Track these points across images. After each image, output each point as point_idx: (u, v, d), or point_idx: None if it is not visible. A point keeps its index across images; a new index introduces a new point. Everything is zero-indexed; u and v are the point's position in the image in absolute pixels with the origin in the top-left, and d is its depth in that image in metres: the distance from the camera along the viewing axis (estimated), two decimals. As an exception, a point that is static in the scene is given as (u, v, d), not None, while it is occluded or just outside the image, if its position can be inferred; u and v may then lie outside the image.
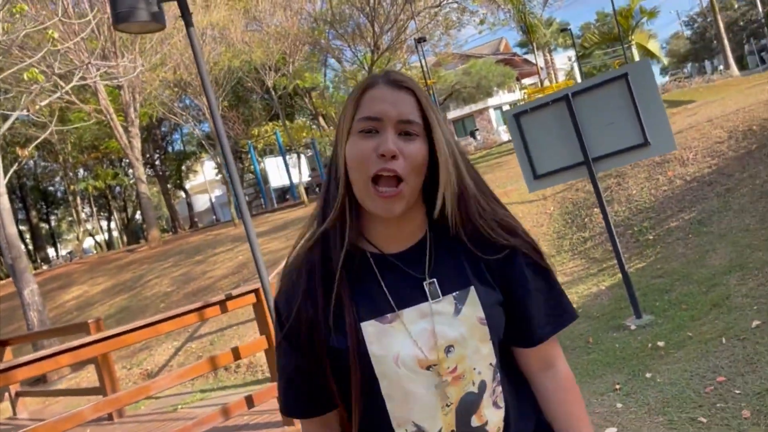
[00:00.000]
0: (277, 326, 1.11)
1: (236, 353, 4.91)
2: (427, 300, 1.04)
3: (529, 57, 36.81)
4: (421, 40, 19.86)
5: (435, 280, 1.06)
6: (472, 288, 1.05)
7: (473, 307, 1.04)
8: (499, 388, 1.06)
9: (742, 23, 51.12)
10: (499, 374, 1.06)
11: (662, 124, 5.03)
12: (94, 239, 35.98)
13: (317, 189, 24.07)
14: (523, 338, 1.11)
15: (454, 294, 1.05)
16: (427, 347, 1.01)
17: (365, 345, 1.01)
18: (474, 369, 1.03)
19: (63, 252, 42.42)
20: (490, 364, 1.05)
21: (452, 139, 1.07)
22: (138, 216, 34.67)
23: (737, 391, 3.67)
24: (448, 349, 1.02)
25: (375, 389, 1.02)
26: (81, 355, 4.19)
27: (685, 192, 6.56)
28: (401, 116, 1.01)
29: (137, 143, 18.17)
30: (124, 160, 27.68)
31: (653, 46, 30.13)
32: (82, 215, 31.92)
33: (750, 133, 6.93)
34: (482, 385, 1.04)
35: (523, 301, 1.09)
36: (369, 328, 1.02)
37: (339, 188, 1.05)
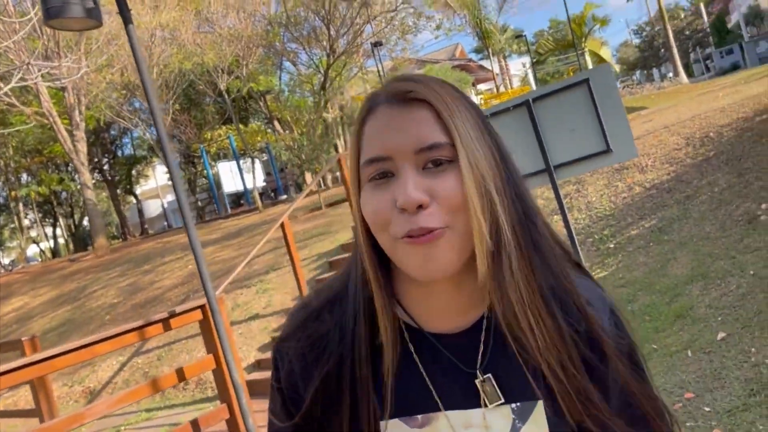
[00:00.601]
0: (274, 380, 0.87)
1: (181, 374, 4.58)
2: (475, 405, 0.76)
3: (485, 63, 37.09)
4: (377, 45, 19.73)
5: (491, 376, 0.77)
6: (540, 403, 0.76)
7: (538, 429, 0.75)
8: None
9: (688, 32, 52.77)
10: None
11: (624, 131, 4.93)
12: (39, 247, 34.64)
13: (272, 194, 23.64)
14: None
15: (513, 406, 0.76)
16: None
17: None
18: None
19: (5, 261, 40.71)
20: None
21: (492, 159, 0.75)
22: (86, 222, 33.51)
23: (707, 409, 3.54)
24: None
25: None
26: (6, 382, 3.82)
27: (644, 199, 6.50)
28: (418, 143, 0.72)
29: (83, 147, 17.45)
30: (70, 164, 26.67)
31: (605, 53, 30.75)
32: (26, 222, 30.67)
33: (707, 140, 6.94)
34: None
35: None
36: (393, 431, 0.77)
37: (363, 257, 0.78)
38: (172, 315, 4.57)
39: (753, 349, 3.95)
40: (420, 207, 0.70)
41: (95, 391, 8.34)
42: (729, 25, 43.05)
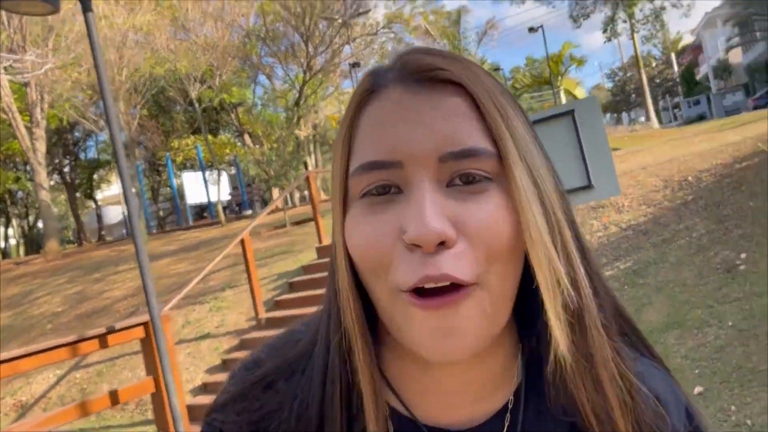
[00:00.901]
0: None
1: (114, 397, 4.16)
2: None
3: (460, 94, 37.39)
4: (355, 65, 19.63)
5: None
6: None
7: None
8: None
9: (658, 80, 54.18)
10: None
11: (607, 167, 4.72)
12: (-11, 247, 33.31)
13: (237, 208, 23.12)
14: None
15: None
16: None
17: None
18: None
19: (-48, 258, 39.06)
20: None
21: (552, 179, 0.51)
22: (41, 225, 32.34)
23: (685, 471, 3.29)
24: None
25: None
26: None
27: (620, 240, 6.32)
28: (445, 146, 0.46)
29: (41, 146, 16.78)
30: (29, 163, 25.75)
31: (580, 93, 31.21)
32: (-24, 220, 29.50)
33: (685, 183, 6.82)
34: None
35: None
36: None
37: (345, 312, 0.50)
38: (111, 331, 4.17)
39: (733, 407, 3.72)
40: (442, 244, 0.44)
41: (27, 405, 7.76)
42: (698, 77, 44.44)
